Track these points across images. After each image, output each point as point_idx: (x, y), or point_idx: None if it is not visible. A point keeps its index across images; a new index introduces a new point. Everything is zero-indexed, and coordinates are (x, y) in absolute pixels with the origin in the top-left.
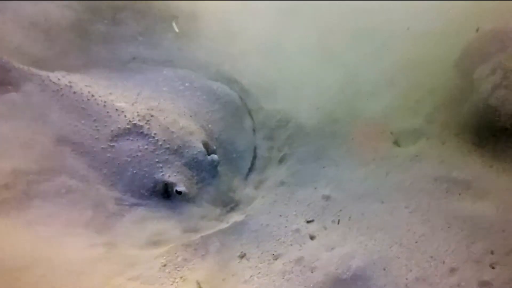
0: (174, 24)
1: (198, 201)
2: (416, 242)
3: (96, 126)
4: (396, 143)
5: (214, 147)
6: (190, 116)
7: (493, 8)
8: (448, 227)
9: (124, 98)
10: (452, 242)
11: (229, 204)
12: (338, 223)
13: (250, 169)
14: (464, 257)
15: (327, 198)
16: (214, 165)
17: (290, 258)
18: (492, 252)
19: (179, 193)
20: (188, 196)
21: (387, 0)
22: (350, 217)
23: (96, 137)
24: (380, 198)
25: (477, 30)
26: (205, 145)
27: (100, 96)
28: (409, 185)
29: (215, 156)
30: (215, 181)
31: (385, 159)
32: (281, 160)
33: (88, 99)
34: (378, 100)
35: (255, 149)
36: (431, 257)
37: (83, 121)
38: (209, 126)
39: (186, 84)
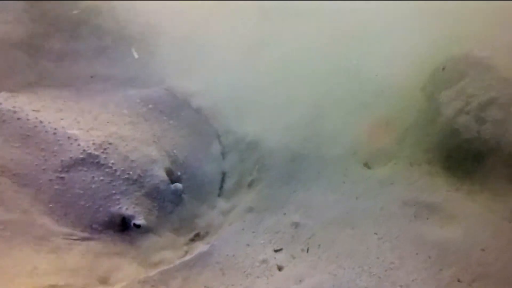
0: (133, 50)
1: (159, 231)
2: (385, 271)
3: (43, 156)
4: (367, 165)
5: (179, 173)
6: (154, 141)
7: (460, 36)
8: (417, 254)
9: (78, 123)
10: (421, 270)
11: (193, 232)
12: (307, 252)
13: (218, 195)
14: (432, 285)
15: (296, 225)
16: (177, 194)
17: None
18: (459, 280)
19: (138, 226)
20: (147, 228)
21: (360, 22)
22: (319, 245)
23: (43, 167)
24: (350, 224)
25: (442, 69)
26: (169, 172)
27: (49, 123)
28: (378, 209)
29: (178, 185)
30: (178, 210)
31: (355, 182)
32: (250, 185)
33: (35, 126)
34: (348, 121)
35: (223, 173)
36: (400, 286)
37: (27, 151)
38: (174, 151)
39: (150, 106)
